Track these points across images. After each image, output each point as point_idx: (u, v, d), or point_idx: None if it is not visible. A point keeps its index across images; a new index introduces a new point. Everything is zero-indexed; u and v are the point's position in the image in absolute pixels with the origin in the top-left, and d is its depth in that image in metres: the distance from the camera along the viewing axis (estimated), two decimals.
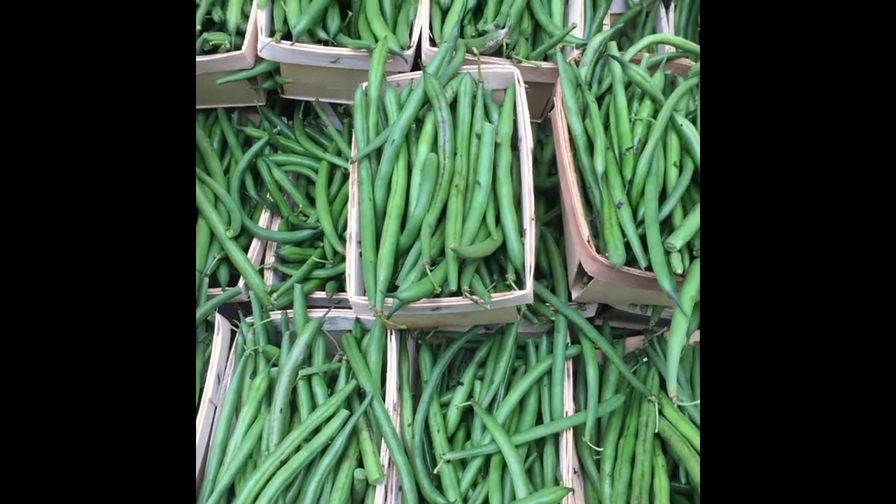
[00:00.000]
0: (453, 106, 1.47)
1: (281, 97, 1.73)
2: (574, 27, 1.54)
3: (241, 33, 1.59)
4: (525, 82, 1.53)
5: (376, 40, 1.55)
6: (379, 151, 1.43)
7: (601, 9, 1.83)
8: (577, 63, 1.54)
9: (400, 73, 1.58)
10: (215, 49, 1.57)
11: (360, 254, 1.39)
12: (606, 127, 1.46)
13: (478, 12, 1.63)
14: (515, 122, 1.49)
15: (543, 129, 1.75)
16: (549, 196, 1.65)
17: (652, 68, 1.54)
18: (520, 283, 1.38)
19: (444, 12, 1.60)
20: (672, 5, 2.08)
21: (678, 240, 1.29)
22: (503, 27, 1.54)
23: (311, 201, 1.69)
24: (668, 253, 1.29)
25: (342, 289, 1.60)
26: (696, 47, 1.55)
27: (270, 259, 1.64)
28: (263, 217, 1.65)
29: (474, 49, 1.50)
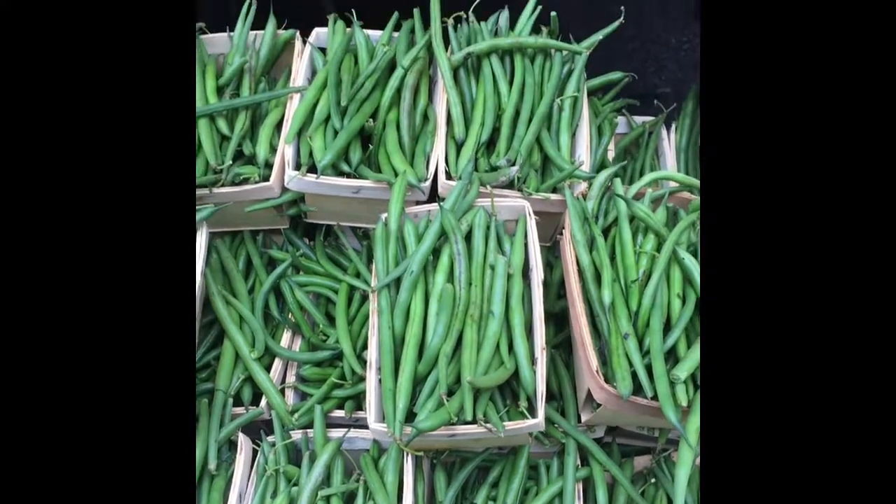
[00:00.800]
0: (468, 238, 1.56)
1: (304, 220, 1.83)
2: (581, 163, 1.65)
3: (269, 165, 1.70)
4: (535, 212, 1.63)
5: (395, 173, 1.66)
6: (398, 280, 1.52)
7: (605, 136, 1.94)
8: (585, 196, 1.64)
9: (417, 202, 1.69)
10: (245, 181, 1.67)
11: (380, 380, 1.46)
12: (613, 259, 1.55)
13: (490, 145, 1.74)
14: (526, 252, 1.58)
15: (553, 251, 1.84)
16: (558, 318, 1.73)
17: (655, 201, 1.63)
18: (532, 411, 1.44)
19: (459, 146, 1.71)
20: (673, 126, 2.20)
21: (682, 371, 1.36)
22: (514, 163, 1.64)
23: (331, 320, 1.76)
24: (673, 384, 1.37)
25: (360, 408, 1.66)
26: (696, 182, 1.65)
27: (291, 377, 1.70)
28: (285, 336, 1.73)
29: (488, 186, 1.61)
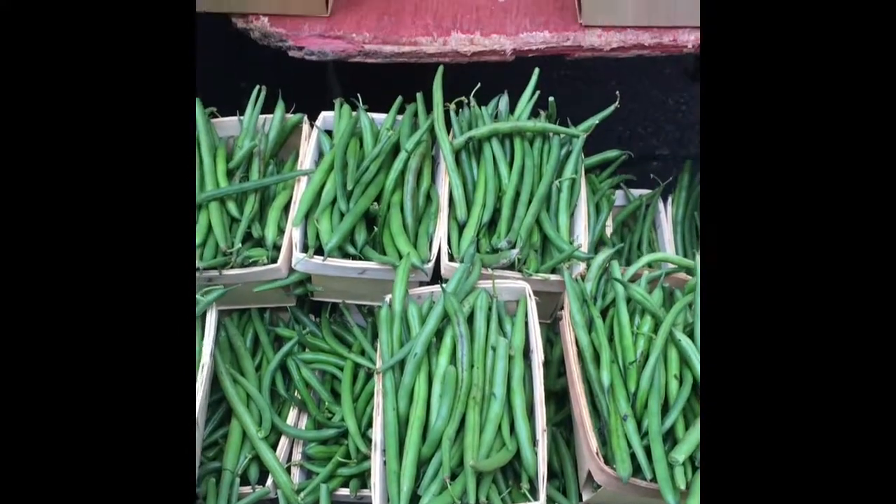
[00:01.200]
0: (470, 319, 1.60)
1: (310, 298, 1.88)
2: (579, 246, 1.70)
3: (276, 247, 1.75)
4: (535, 292, 1.68)
5: (400, 255, 1.71)
6: (402, 362, 1.56)
7: (603, 212, 1.99)
8: (583, 277, 1.69)
9: (421, 283, 1.74)
10: (254, 263, 1.73)
11: (384, 462, 1.49)
12: (611, 340, 1.59)
13: (491, 225, 1.79)
14: (527, 333, 1.63)
15: (553, 327, 1.88)
16: (559, 396, 1.77)
17: (651, 282, 1.68)
18: (533, 492, 1.47)
19: (461, 227, 1.76)
20: (669, 199, 2.26)
21: (681, 454, 1.40)
22: (514, 245, 1.69)
23: (337, 397, 1.80)
24: (672, 466, 1.40)
25: (365, 486, 1.69)
26: (691, 264, 1.70)
27: (298, 454, 1.74)
28: (292, 414, 1.76)
29: (489, 268, 1.66)
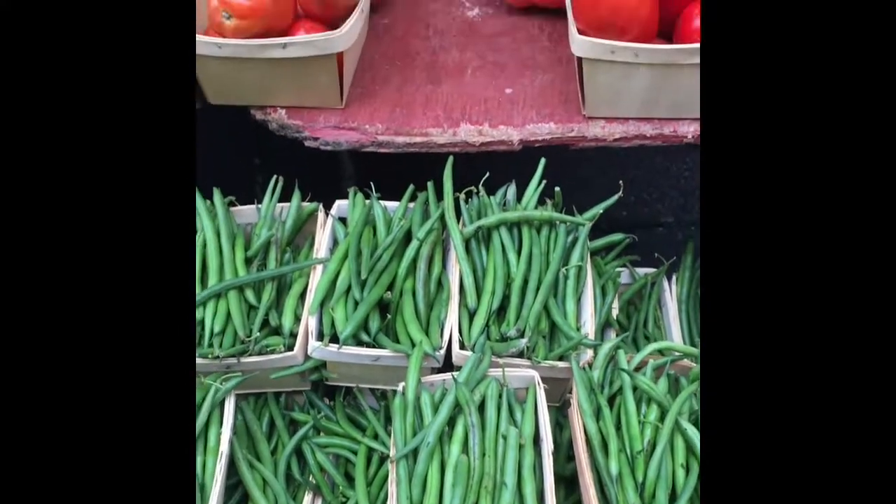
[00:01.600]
0: (481, 408, 1.65)
1: (325, 383, 1.93)
2: (587, 335, 1.75)
3: (293, 334, 1.81)
4: (544, 378, 1.73)
5: (412, 342, 1.77)
6: (415, 450, 1.60)
7: (609, 294, 2.05)
8: (590, 364, 1.74)
9: (433, 369, 1.79)
10: (271, 350, 1.78)
11: None
12: (618, 428, 1.63)
13: (501, 311, 1.85)
14: (537, 421, 1.67)
15: (562, 410, 1.92)
16: (569, 481, 1.80)
17: (657, 370, 1.73)
18: None
19: (472, 314, 1.82)
20: (674, 278, 2.32)
21: None
22: (523, 334, 1.75)
23: (350, 480, 1.84)
24: None
25: None
26: (696, 352, 1.75)
27: None
28: (307, 499, 1.80)
29: (500, 359, 1.72)
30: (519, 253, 1.90)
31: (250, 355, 1.79)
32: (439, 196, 2.01)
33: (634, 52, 1.77)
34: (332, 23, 1.97)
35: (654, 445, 1.58)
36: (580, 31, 1.83)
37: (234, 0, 1.82)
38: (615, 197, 1.97)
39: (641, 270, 2.35)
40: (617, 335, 1.98)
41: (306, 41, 1.85)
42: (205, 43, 1.84)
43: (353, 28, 1.90)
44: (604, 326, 1.99)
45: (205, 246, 1.91)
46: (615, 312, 2.07)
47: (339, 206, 2.05)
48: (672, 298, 2.27)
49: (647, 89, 1.87)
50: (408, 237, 1.95)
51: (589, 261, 1.94)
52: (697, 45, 1.71)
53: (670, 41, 1.92)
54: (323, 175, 2.18)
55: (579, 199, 2.09)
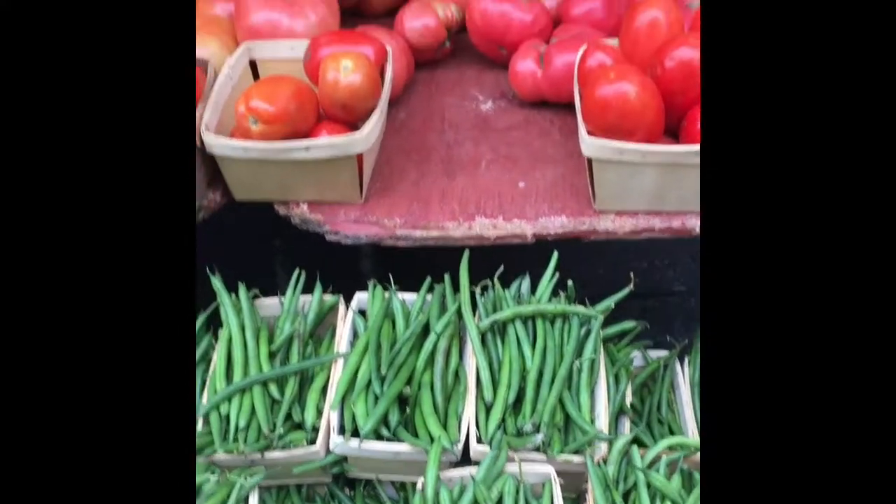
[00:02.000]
0: None
1: (345, 475, 1.98)
2: (600, 431, 1.80)
3: (315, 429, 1.87)
4: (559, 472, 1.77)
5: (430, 436, 1.82)
6: None
7: (622, 382, 2.10)
8: (605, 459, 1.78)
9: (451, 463, 1.84)
10: (295, 446, 1.84)
11: None
12: None
13: (517, 402, 1.90)
14: None
15: (577, 502, 1.95)
16: None
17: (670, 465, 1.77)
18: None
19: (488, 407, 1.87)
20: (686, 360, 2.36)
21: None
22: (538, 428, 1.80)
23: None
24: None
25: None
26: None
27: None
28: None
29: (515, 456, 1.76)
30: (534, 346, 1.96)
31: (274, 450, 1.84)
32: (456, 288, 2.07)
33: (642, 154, 1.85)
34: (353, 123, 2.06)
35: None
36: (589, 133, 1.91)
37: (260, 106, 1.92)
38: (626, 290, 2.03)
39: (654, 353, 2.39)
40: (631, 421, 2.02)
41: (328, 143, 1.94)
42: (232, 147, 1.94)
43: (373, 130, 1.99)
44: (618, 414, 2.03)
45: (230, 341, 1.98)
46: (629, 400, 2.11)
47: (359, 298, 2.12)
48: (685, 382, 2.30)
49: (655, 186, 1.94)
50: (425, 329, 2.01)
51: (602, 353, 1.99)
52: (698, 147, 1.79)
53: (677, 137, 2.01)
54: (343, 267, 2.26)
55: (592, 265, 2.14)
